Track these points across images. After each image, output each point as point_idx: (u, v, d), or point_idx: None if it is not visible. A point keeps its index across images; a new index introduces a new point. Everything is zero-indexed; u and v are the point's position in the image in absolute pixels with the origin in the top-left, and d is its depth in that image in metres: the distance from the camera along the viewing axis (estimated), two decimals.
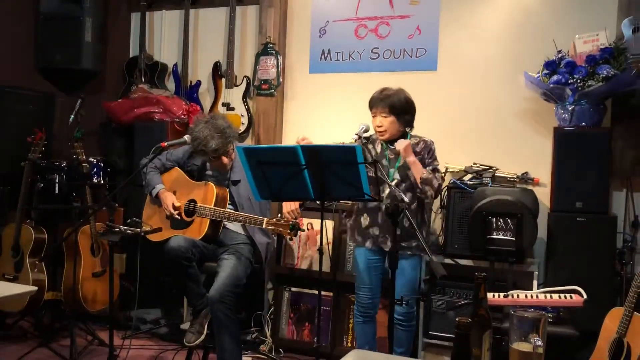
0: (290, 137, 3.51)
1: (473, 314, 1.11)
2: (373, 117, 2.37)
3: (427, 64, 3.25)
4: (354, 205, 2.50)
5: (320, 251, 2.17)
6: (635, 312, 1.72)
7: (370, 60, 3.36)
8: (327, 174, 1.88)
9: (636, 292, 1.72)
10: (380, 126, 2.35)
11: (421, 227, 2.51)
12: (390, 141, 2.38)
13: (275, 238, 3.05)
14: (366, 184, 1.95)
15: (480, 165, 3.02)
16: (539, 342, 1.13)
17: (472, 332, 1.04)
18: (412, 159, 2.28)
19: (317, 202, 2.07)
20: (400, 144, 2.27)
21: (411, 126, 2.46)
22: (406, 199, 2.20)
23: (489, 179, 2.92)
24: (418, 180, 2.29)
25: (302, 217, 2.88)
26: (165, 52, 3.87)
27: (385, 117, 2.36)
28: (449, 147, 3.12)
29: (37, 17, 3.73)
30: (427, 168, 2.40)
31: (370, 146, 2.43)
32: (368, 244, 2.42)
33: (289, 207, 2.52)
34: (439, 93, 3.23)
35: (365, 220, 2.43)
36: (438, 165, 2.49)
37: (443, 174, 2.54)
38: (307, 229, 3.13)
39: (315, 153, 1.85)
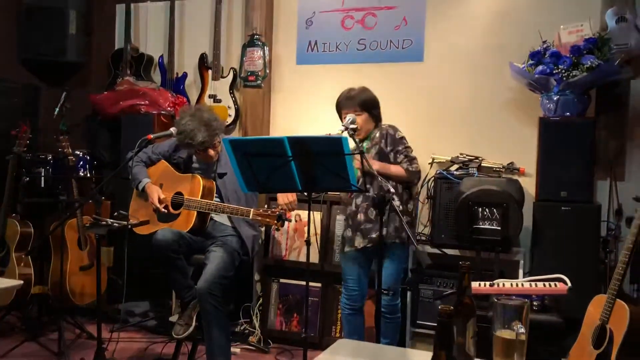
0: (278, 129, 3.50)
1: (457, 302, 1.12)
2: (344, 116, 2.41)
3: (414, 54, 3.24)
4: (350, 196, 2.52)
5: (308, 242, 2.15)
6: (617, 299, 1.74)
7: (357, 52, 3.35)
8: (314, 165, 1.88)
9: (618, 279, 1.74)
10: (353, 122, 2.35)
11: (407, 217, 2.54)
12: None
13: (263, 230, 3.07)
14: (353, 175, 1.95)
15: (467, 155, 3.03)
16: (522, 330, 1.14)
17: (456, 320, 1.06)
18: (376, 166, 2.29)
19: (305, 193, 2.08)
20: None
21: (380, 120, 2.50)
22: (392, 190, 2.22)
23: (474, 169, 2.95)
24: (401, 176, 2.34)
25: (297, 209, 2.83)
26: (151, 44, 3.82)
27: (359, 114, 2.40)
28: (436, 137, 3.14)
29: (20, 8, 3.70)
30: (401, 157, 2.43)
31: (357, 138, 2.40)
32: (357, 241, 2.44)
33: (285, 198, 2.54)
34: (425, 84, 3.22)
35: (359, 214, 2.44)
36: (411, 151, 2.53)
37: (416, 158, 2.54)
38: (295, 220, 3.12)
39: (302, 144, 1.85)
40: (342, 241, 2.59)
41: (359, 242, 2.45)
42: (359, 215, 2.46)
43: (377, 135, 2.46)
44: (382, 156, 2.47)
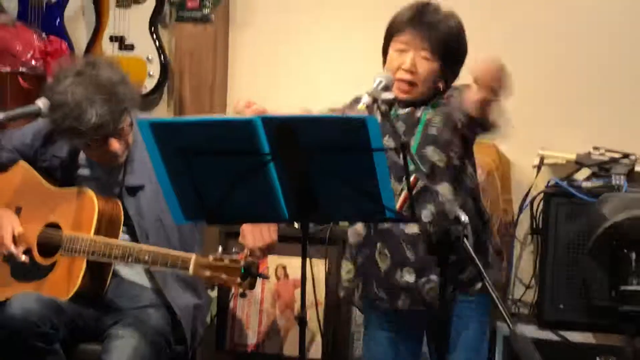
0: (242, 100, 2.71)
1: None
2: (398, 50, 1.89)
3: None
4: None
5: (302, 320, 1.70)
6: None
7: None
8: (313, 173, 1.57)
9: None
10: (412, 71, 1.84)
11: (485, 266, 1.91)
12: (405, 104, 1.95)
13: (215, 295, 2.57)
14: (389, 191, 1.59)
15: (607, 151, 2.51)
16: None
17: None
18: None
19: (295, 225, 1.87)
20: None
21: (452, 82, 1.97)
22: (463, 217, 1.61)
23: (621, 176, 2.45)
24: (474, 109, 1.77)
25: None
26: None
27: (427, 59, 1.85)
28: (545, 118, 2.63)
29: None
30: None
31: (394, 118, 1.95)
32: (401, 302, 1.93)
33: (258, 235, 2.05)
34: (524, 16, 2.68)
35: (382, 256, 1.94)
36: None
37: None
38: (277, 276, 2.65)
39: (290, 132, 1.53)
40: (348, 291, 2.10)
41: (403, 301, 1.97)
42: (400, 247, 1.95)
43: (446, 113, 1.92)
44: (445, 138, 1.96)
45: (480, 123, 1.89)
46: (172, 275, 2.17)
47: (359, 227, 2.03)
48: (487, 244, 2.00)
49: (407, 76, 1.84)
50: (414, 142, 1.96)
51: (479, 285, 1.92)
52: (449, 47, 1.88)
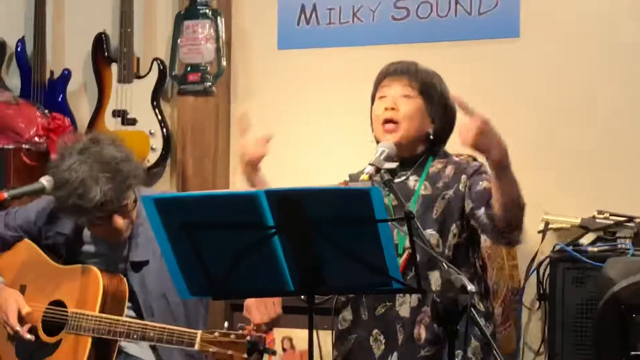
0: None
1: None
2: (380, 97, 1.92)
3: (502, 26, 2.67)
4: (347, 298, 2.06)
5: None
6: None
7: (392, 23, 2.78)
8: (318, 245, 1.55)
9: None
10: (393, 108, 1.87)
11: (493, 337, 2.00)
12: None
13: None
14: (395, 261, 1.58)
15: (611, 215, 2.47)
16: None
17: None
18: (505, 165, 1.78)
19: (302, 297, 1.70)
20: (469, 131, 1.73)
21: (443, 140, 1.95)
22: (470, 286, 1.59)
23: (628, 241, 2.40)
24: (502, 210, 1.78)
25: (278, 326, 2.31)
26: (2, 20, 3.21)
27: (408, 96, 1.88)
28: (549, 180, 2.59)
29: None
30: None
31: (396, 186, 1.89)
32: None
33: (262, 309, 1.99)
34: (524, 79, 2.69)
35: (377, 343, 1.92)
36: None
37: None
38: (283, 347, 2.65)
39: (295, 204, 1.53)
40: None
41: None
42: (394, 331, 1.91)
43: (448, 169, 1.95)
44: (445, 221, 1.91)
45: (503, 234, 1.85)
46: (177, 351, 2.08)
47: (347, 313, 2.01)
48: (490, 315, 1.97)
49: (389, 114, 1.85)
50: (414, 202, 1.94)
51: None
52: (430, 85, 1.90)
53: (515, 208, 1.84)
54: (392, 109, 1.86)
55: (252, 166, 2.09)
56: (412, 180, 1.90)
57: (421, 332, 1.88)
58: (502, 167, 1.77)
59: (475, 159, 1.95)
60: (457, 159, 1.98)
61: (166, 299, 2.11)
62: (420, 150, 1.90)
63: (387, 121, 1.88)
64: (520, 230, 1.90)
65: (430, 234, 1.86)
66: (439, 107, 1.92)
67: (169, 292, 2.06)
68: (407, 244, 1.86)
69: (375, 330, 1.91)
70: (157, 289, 2.11)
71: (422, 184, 1.92)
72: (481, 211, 1.86)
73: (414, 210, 1.88)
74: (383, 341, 1.91)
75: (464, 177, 1.92)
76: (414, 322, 1.88)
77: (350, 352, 1.98)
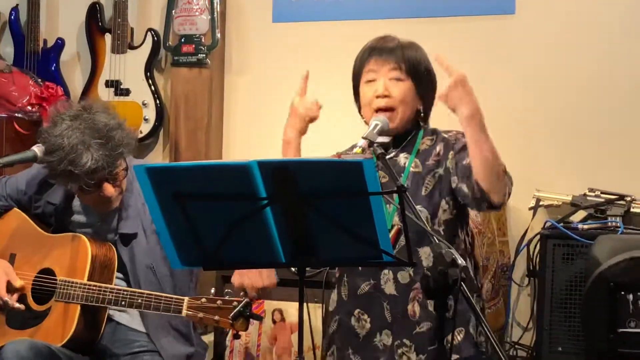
0: (239, 145, 2.99)
1: None
2: (367, 81, 1.91)
3: (497, 2, 2.66)
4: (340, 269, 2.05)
5: None
6: None
7: None
8: (310, 216, 1.56)
9: None
10: (386, 95, 1.85)
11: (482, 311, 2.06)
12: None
13: (211, 340, 2.58)
14: (386, 235, 1.57)
15: (602, 193, 2.50)
16: None
17: None
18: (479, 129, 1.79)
19: (293, 269, 1.73)
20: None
21: (428, 114, 1.97)
22: (460, 260, 1.60)
23: (618, 219, 2.44)
24: (483, 171, 1.78)
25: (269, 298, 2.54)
26: None
27: (398, 79, 1.86)
28: (541, 158, 2.62)
29: None
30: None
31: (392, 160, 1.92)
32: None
33: (253, 277, 2.00)
34: (518, 55, 2.69)
35: (361, 322, 1.93)
36: None
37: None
38: (274, 320, 2.60)
39: (287, 176, 1.52)
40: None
41: (405, 352, 1.92)
42: (380, 309, 1.91)
43: (438, 146, 1.95)
44: (434, 198, 1.92)
45: (487, 199, 1.85)
46: (165, 326, 2.15)
47: (333, 294, 2.02)
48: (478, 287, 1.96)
49: (383, 102, 1.84)
50: (404, 175, 1.97)
51: (482, 341, 1.92)
52: (416, 64, 1.89)
53: (491, 167, 1.84)
54: (385, 95, 1.86)
55: (303, 123, 2.06)
56: (402, 158, 1.90)
57: (415, 309, 1.90)
58: (475, 123, 1.78)
59: (464, 135, 1.94)
60: (446, 135, 1.96)
61: (154, 272, 2.14)
62: (410, 126, 1.90)
63: (383, 109, 1.86)
64: (502, 193, 1.89)
65: (420, 210, 1.86)
66: (427, 85, 1.92)
67: (157, 265, 2.12)
68: (396, 219, 1.92)
69: (357, 310, 1.93)
70: (145, 262, 2.14)
71: (412, 161, 1.94)
72: (464, 184, 1.88)
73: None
74: (368, 320, 1.93)
75: (451, 153, 1.91)
76: (405, 300, 1.88)
77: (334, 334, 2.00)
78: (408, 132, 1.90)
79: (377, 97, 1.84)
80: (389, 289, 1.88)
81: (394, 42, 1.92)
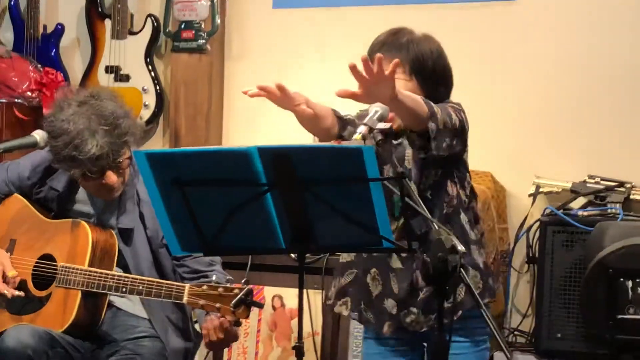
0: (240, 131, 3.01)
1: None
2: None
3: None
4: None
5: (299, 351, 1.64)
6: None
7: None
8: (310, 203, 1.57)
9: None
10: None
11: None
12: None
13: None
14: (385, 221, 1.58)
15: (602, 180, 2.53)
16: None
17: None
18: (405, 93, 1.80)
19: (292, 255, 1.98)
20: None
21: (439, 101, 1.96)
22: (460, 247, 1.60)
23: (618, 206, 2.48)
24: (422, 112, 1.77)
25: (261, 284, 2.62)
26: None
27: (401, 79, 1.86)
28: (541, 144, 2.64)
29: None
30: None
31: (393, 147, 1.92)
32: (386, 327, 1.93)
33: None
34: (520, 42, 2.68)
35: (375, 282, 1.95)
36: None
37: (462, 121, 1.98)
38: (273, 306, 2.65)
39: (287, 162, 1.52)
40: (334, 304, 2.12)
41: (388, 327, 1.96)
42: (388, 278, 1.93)
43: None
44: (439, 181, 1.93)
45: (424, 142, 1.82)
46: (164, 321, 2.16)
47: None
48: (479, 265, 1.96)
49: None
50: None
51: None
52: (423, 66, 1.89)
53: (419, 119, 1.81)
54: None
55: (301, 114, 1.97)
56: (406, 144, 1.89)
57: (419, 280, 1.92)
58: (396, 99, 1.78)
59: None
60: None
61: (153, 256, 2.15)
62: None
63: None
64: (437, 136, 1.84)
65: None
66: (434, 81, 1.92)
67: (158, 257, 2.12)
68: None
69: (374, 270, 1.95)
70: (146, 246, 2.15)
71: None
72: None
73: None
74: (381, 282, 1.97)
75: None
76: (411, 271, 1.91)
77: (348, 285, 2.02)
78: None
79: None
80: (395, 263, 1.92)
81: (405, 37, 1.91)
